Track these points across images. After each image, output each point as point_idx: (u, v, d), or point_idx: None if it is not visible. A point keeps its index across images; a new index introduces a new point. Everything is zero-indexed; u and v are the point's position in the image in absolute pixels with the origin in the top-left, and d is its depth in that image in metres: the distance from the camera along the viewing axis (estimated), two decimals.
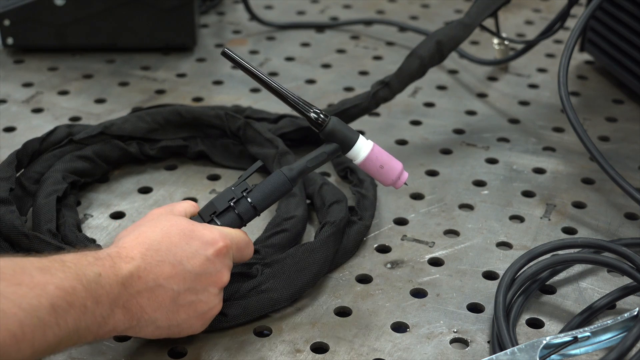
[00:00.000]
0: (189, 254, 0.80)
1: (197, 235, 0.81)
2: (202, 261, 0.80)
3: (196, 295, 0.80)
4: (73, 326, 0.69)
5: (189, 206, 0.88)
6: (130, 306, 0.76)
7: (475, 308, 0.93)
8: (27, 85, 1.37)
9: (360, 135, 0.92)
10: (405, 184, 0.94)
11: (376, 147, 0.92)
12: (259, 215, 0.89)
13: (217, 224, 0.86)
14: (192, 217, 0.87)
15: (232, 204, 0.87)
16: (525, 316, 0.91)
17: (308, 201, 1.06)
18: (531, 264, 0.91)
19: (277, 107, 1.29)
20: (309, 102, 0.91)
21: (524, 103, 1.36)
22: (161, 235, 0.80)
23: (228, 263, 0.83)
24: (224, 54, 0.89)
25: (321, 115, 0.90)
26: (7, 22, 1.40)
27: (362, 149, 0.91)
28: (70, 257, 0.73)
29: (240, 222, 0.88)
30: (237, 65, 0.90)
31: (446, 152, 1.22)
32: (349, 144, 0.91)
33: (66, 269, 0.71)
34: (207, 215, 0.87)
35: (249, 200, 0.88)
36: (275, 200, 0.90)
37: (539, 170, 1.17)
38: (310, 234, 1.03)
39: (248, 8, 1.55)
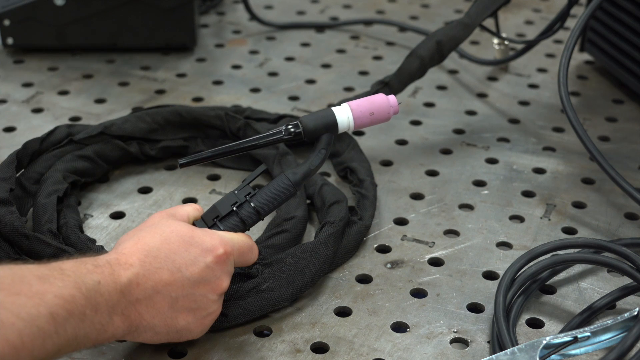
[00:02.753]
0: (188, 261, 0.79)
1: (196, 241, 0.80)
2: (201, 268, 0.80)
3: (194, 302, 0.80)
4: (72, 334, 0.69)
5: (192, 210, 0.87)
6: (128, 313, 0.76)
7: (475, 308, 0.93)
8: (27, 85, 1.37)
9: (333, 108, 0.91)
10: (399, 103, 0.93)
11: (353, 104, 0.91)
12: (262, 219, 0.89)
13: (220, 229, 0.86)
14: (195, 221, 0.87)
15: (235, 208, 0.87)
16: (525, 316, 0.91)
17: (308, 201, 1.06)
18: (531, 264, 0.91)
19: (277, 107, 1.30)
20: (271, 130, 0.91)
21: (524, 103, 1.36)
22: (160, 242, 0.79)
23: (228, 269, 0.82)
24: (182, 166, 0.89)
25: (290, 128, 0.90)
26: (7, 22, 1.40)
27: (346, 116, 0.90)
28: (69, 264, 0.73)
29: (243, 227, 0.87)
30: (196, 163, 0.89)
31: (446, 152, 1.22)
32: (332, 125, 0.90)
33: (65, 277, 0.70)
34: (210, 220, 0.87)
35: (252, 204, 0.87)
36: (278, 205, 0.89)
37: (539, 170, 1.17)
38: (310, 234, 1.03)
39: (248, 8, 1.55)
